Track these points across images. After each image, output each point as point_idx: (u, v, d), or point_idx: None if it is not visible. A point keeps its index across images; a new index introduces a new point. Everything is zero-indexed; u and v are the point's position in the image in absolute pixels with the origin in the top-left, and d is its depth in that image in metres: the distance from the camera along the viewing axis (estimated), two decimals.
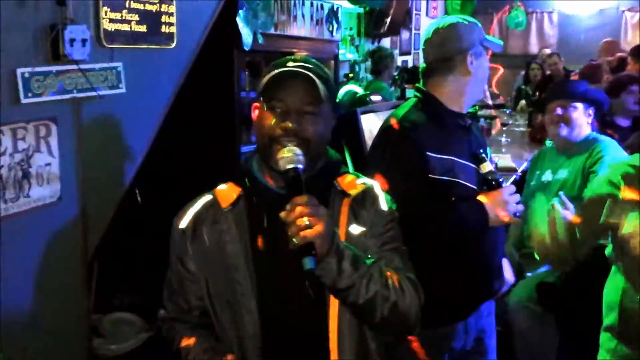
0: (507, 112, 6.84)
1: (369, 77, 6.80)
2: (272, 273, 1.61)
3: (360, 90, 4.89)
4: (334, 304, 1.59)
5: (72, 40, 2.16)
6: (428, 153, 2.15)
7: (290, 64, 1.58)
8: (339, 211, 1.63)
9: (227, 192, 1.68)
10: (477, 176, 2.21)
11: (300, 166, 1.49)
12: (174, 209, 3.75)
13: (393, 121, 2.22)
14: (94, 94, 2.28)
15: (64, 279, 2.35)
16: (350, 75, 6.05)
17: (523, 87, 7.95)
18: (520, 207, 2.18)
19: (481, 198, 2.17)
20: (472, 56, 2.24)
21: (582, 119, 3.20)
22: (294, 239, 1.39)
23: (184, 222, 1.73)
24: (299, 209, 1.40)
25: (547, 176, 3.29)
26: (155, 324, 3.33)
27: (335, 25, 4.62)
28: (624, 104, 4.09)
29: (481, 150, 2.21)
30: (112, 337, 3.08)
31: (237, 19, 3.30)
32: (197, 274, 1.69)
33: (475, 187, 2.19)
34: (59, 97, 2.17)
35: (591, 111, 3.19)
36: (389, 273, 1.57)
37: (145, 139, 2.62)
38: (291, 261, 1.42)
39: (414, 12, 8.09)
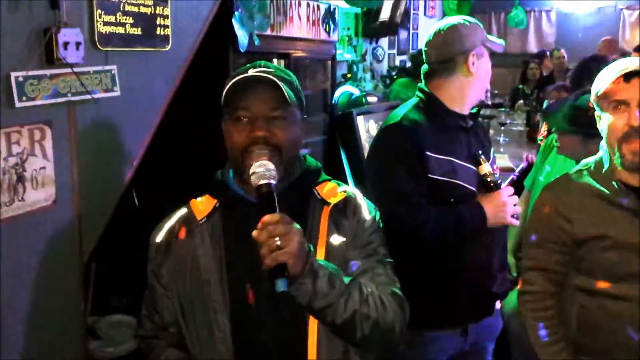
0: (505, 111, 6.84)
1: (367, 77, 6.80)
2: (249, 294, 1.55)
3: (357, 92, 4.88)
4: (313, 323, 1.53)
5: (66, 44, 2.15)
6: (427, 153, 2.16)
7: (251, 70, 1.54)
8: (319, 221, 1.58)
9: (202, 204, 1.65)
10: (476, 178, 2.21)
11: (272, 181, 1.43)
12: (171, 211, 3.75)
13: (394, 120, 2.24)
14: (88, 97, 2.28)
15: (60, 282, 2.34)
16: (348, 75, 6.05)
17: (520, 86, 7.95)
18: (519, 209, 2.18)
19: (480, 199, 2.17)
20: (474, 57, 2.24)
21: None
22: (265, 260, 1.34)
23: (159, 237, 1.70)
24: (269, 228, 1.34)
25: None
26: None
27: (332, 26, 4.61)
28: None
29: (480, 152, 2.21)
30: (110, 339, 3.08)
31: (233, 21, 3.30)
32: (171, 289, 1.64)
33: (473, 189, 2.19)
34: (53, 101, 2.17)
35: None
36: (370, 289, 1.50)
37: (140, 142, 2.62)
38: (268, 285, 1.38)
39: (412, 11, 8.08)
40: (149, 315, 1.74)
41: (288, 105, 1.53)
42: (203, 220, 1.62)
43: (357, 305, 1.45)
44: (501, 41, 2.40)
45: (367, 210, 1.63)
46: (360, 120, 4.45)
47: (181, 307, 1.63)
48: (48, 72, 2.14)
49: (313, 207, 1.60)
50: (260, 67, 1.57)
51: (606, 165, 2.01)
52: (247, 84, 1.51)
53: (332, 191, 1.62)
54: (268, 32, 3.69)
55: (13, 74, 2.03)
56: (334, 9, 4.62)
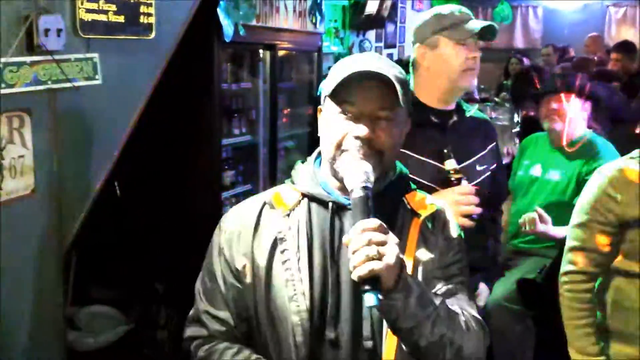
0: (490, 105, 6.84)
1: None
2: (326, 294, 1.43)
3: None
4: (390, 346, 1.41)
5: (46, 31, 2.11)
6: None
7: (362, 63, 1.40)
8: (408, 233, 1.46)
9: (286, 195, 1.51)
10: (440, 174, 2.18)
11: (369, 185, 1.32)
12: (153, 201, 3.74)
13: None
14: (69, 85, 2.25)
15: (39, 272, 2.31)
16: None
17: (505, 82, 7.97)
18: (476, 209, 2.12)
19: (435, 195, 2.14)
20: (426, 48, 2.23)
21: (577, 114, 3.17)
22: (357, 270, 1.21)
23: (234, 224, 1.53)
24: (367, 235, 1.22)
25: (537, 171, 3.26)
26: (132, 317, 3.32)
27: (319, 17, 4.59)
28: None
29: (449, 147, 2.17)
30: (89, 330, 3.07)
31: (218, 10, 3.27)
32: (243, 280, 1.49)
33: (432, 185, 2.16)
34: (33, 88, 2.13)
35: (588, 106, 3.17)
36: (457, 313, 1.40)
37: (122, 131, 2.59)
38: (351, 283, 1.30)
39: (399, 5, 8.07)
40: (209, 312, 1.55)
41: (397, 107, 1.40)
42: (287, 212, 1.48)
43: (444, 330, 1.34)
44: (477, 24, 2.21)
45: (455, 227, 1.53)
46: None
47: (254, 303, 1.48)
48: (28, 59, 2.10)
49: (402, 217, 1.48)
50: (371, 59, 1.42)
51: None
52: (360, 77, 1.37)
53: (422, 202, 1.51)
54: (254, 22, 3.67)
55: None
56: (321, 0, 4.60)
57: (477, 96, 7.30)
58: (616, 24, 9.95)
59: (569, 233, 2.24)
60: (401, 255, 1.28)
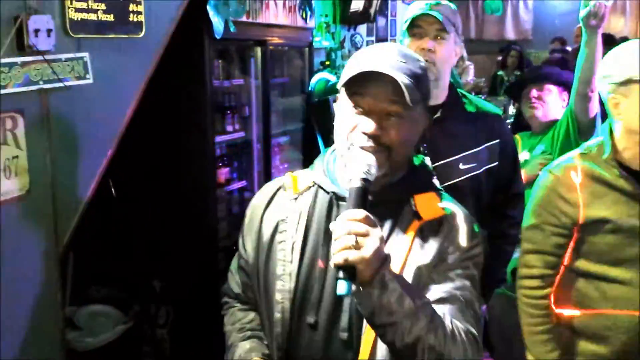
0: (483, 97, 6.87)
1: (345, 64, 6.79)
2: (314, 281, 1.48)
3: (333, 78, 4.88)
4: (369, 334, 1.41)
5: (36, 31, 2.12)
6: None
7: (380, 58, 1.39)
8: (405, 234, 1.44)
9: (301, 179, 1.57)
10: None
11: (370, 178, 1.33)
12: (148, 199, 3.74)
13: None
14: (60, 84, 2.25)
15: (36, 273, 2.32)
16: (327, 62, 6.03)
17: (500, 72, 7.99)
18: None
19: None
20: (400, 42, 2.25)
21: (556, 102, 3.24)
22: (334, 257, 1.24)
23: (258, 199, 1.64)
24: (350, 224, 1.24)
25: (524, 155, 3.31)
26: (131, 316, 3.33)
27: (309, 13, 4.59)
28: None
29: (424, 145, 2.14)
30: (88, 330, 3.07)
31: (208, 7, 3.28)
32: (251, 259, 1.61)
33: None
34: (24, 89, 2.14)
35: (565, 96, 3.22)
36: (443, 320, 1.35)
37: (115, 129, 2.59)
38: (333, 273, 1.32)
39: None
40: (235, 272, 1.72)
41: (408, 103, 1.37)
42: (295, 196, 1.55)
43: (422, 332, 1.30)
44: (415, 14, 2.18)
45: (466, 236, 1.46)
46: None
47: (257, 278, 1.59)
48: (19, 59, 2.11)
49: (403, 218, 1.46)
50: (389, 52, 1.42)
51: (607, 150, 2.03)
52: (373, 74, 1.37)
53: (431, 205, 1.47)
54: (244, 18, 3.67)
55: None
56: None
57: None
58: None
59: (523, 233, 2.19)
60: (384, 251, 1.28)
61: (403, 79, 1.35)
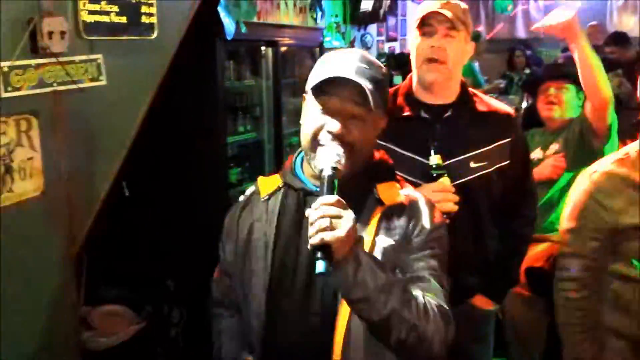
0: (495, 96, 6.84)
1: None
2: (287, 271, 1.59)
3: None
4: (343, 317, 1.52)
5: (50, 33, 2.13)
6: None
7: (345, 64, 1.51)
8: (370, 220, 1.56)
9: (269, 182, 1.70)
10: (426, 169, 2.16)
11: (339, 167, 1.46)
12: (161, 199, 3.76)
13: None
14: (74, 86, 2.27)
15: (51, 273, 2.34)
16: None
17: (508, 73, 7.95)
18: (450, 207, 2.08)
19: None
20: (411, 41, 2.25)
21: (573, 101, 3.20)
22: (311, 239, 1.34)
23: (233, 208, 1.78)
24: (323, 208, 1.34)
25: (537, 154, 3.27)
26: (145, 316, 3.34)
27: (320, 13, 4.60)
28: None
29: (435, 143, 2.15)
30: (103, 330, 3.09)
31: (219, 8, 3.29)
32: (230, 256, 1.74)
33: (414, 179, 2.13)
34: (39, 91, 2.15)
35: (582, 95, 3.18)
36: (415, 294, 1.46)
37: (129, 131, 2.61)
38: (307, 262, 1.43)
39: None
40: (217, 280, 1.86)
41: (371, 107, 1.50)
42: (265, 198, 1.67)
43: (397, 305, 1.40)
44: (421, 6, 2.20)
45: (429, 218, 1.58)
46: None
47: (237, 280, 1.70)
48: (33, 61, 2.13)
49: (368, 205, 1.58)
50: (353, 59, 1.54)
51: None
52: (336, 77, 1.50)
53: (393, 192, 1.60)
54: (255, 19, 3.68)
55: None
56: None
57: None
58: (618, 12, 9.90)
59: (562, 236, 2.20)
60: (356, 232, 1.38)
61: (367, 85, 1.48)
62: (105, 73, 2.40)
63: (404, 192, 1.62)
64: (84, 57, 2.32)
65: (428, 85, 2.21)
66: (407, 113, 2.22)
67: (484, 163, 2.22)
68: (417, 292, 1.47)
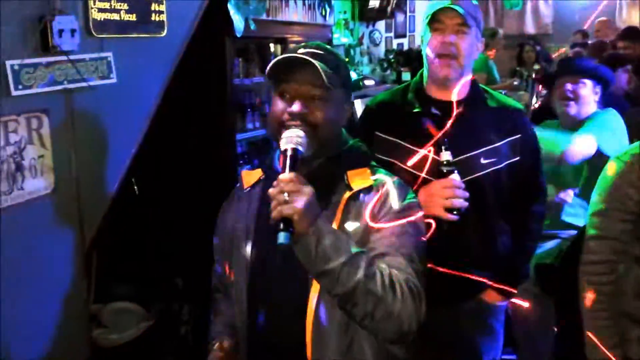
0: (503, 93, 6.81)
1: (365, 60, 6.79)
2: (265, 255, 1.65)
3: (353, 75, 4.88)
4: (312, 298, 1.57)
5: (60, 31, 2.14)
6: (377, 132, 2.19)
7: (301, 50, 1.61)
8: (337, 205, 1.60)
9: (251, 175, 1.78)
10: (436, 165, 2.15)
11: (300, 148, 1.51)
12: (171, 197, 3.76)
13: (367, 102, 2.31)
14: (84, 84, 2.28)
15: (61, 270, 2.35)
16: (346, 59, 6.03)
17: (517, 68, 7.93)
18: (460, 203, 2.07)
19: (423, 187, 2.12)
20: (422, 37, 2.24)
21: (590, 96, 3.15)
22: (272, 214, 1.41)
23: (224, 204, 1.87)
24: (281, 185, 1.42)
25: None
26: (154, 313, 3.35)
27: (328, 10, 4.59)
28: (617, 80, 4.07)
29: (445, 139, 2.11)
30: (113, 326, 3.10)
31: (229, 5, 3.29)
32: (219, 250, 1.85)
33: (423, 175, 2.13)
34: (49, 89, 2.16)
35: (599, 89, 3.15)
36: (381, 269, 1.49)
37: (138, 128, 2.62)
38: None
39: None
40: (214, 269, 1.93)
41: (329, 87, 1.57)
42: (247, 190, 1.76)
43: (361, 277, 1.44)
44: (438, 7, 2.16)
45: (397, 198, 1.61)
46: (357, 103, 4.45)
47: (226, 259, 1.79)
48: (44, 60, 2.14)
49: (337, 190, 1.63)
50: (309, 47, 1.63)
51: None
52: (293, 62, 1.57)
53: (362, 177, 1.64)
54: (264, 16, 3.68)
55: (8, 62, 2.02)
56: None
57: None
58: (627, 7, 9.83)
59: (588, 221, 2.19)
60: (316, 205, 1.44)
61: (320, 64, 1.54)
62: (115, 71, 2.41)
63: (374, 177, 1.65)
64: (94, 55, 2.33)
65: (441, 81, 2.20)
66: (417, 109, 2.22)
67: (494, 159, 2.22)
68: (382, 267, 1.49)
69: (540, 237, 2.60)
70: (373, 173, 1.66)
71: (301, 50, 1.61)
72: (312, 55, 1.57)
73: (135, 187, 3.30)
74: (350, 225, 1.58)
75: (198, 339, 3.61)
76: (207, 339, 1.91)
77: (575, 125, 3.15)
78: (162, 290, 3.52)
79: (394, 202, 1.60)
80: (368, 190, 1.62)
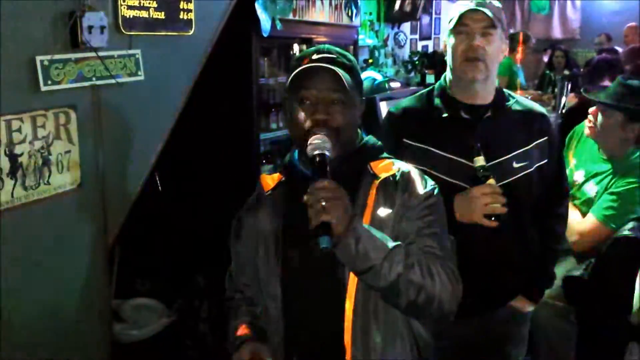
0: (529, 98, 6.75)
1: (389, 62, 6.76)
2: (297, 257, 1.67)
3: (379, 77, 4.86)
4: (350, 293, 1.60)
5: (90, 28, 2.16)
6: (405, 140, 2.15)
7: (315, 56, 1.65)
8: (367, 194, 1.66)
9: (271, 179, 1.78)
10: (468, 171, 2.12)
11: (327, 153, 1.55)
12: (194, 195, 3.78)
13: (392, 108, 2.27)
14: (112, 81, 2.29)
15: (85, 265, 2.37)
16: (370, 60, 6.01)
17: (547, 72, 7.85)
18: (500, 209, 2.04)
19: (457, 194, 2.09)
20: (445, 40, 2.22)
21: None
22: (311, 221, 1.45)
23: (244, 206, 1.85)
24: (317, 192, 1.45)
25: (579, 176, 3.09)
26: (175, 310, 3.37)
27: (355, 11, 4.58)
28: None
29: (478, 144, 2.07)
30: (134, 322, 3.12)
31: (256, 5, 3.30)
32: (245, 254, 1.80)
33: (455, 181, 2.09)
34: (78, 85, 2.18)
35: (636, 126, 2.93)
36: (417, 257, 1.56)
37: (164, 126, 2.63)
38: (314, 245, 1.47)
39: None
40: (230, 277, 1.94)
41: (347, 90, 1.61)
42: (269, 193, 1.75)
43: (401, 269, 1.51)
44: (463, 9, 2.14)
45: (422, 185, 1.68)
46: (383, 106, 4.43)
47: (251, 267, 1.77)
48: (73, 56, 2.15)
49: (364, 181, 1.68)
50: (323, 52, 1.67)
51: None
52: (311, 70, 1.61)
53: (386, 167, 1.70)
54: (290, 16, 3.68)
55: (38, 58, 2.04)
56: None
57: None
58: None
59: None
60: (350, 208, 1.49)
61: (339, 70, 1.59)
62: (142, 68, 2.42)
63: (397, 166, 1.71)
64: (123, 52, 2.34)
65: (468, 85, 2.18)
66: (446, 114, 2.19)
67: (526, 163, 2.19)
68: (418, 254, 1.57)
69: (563, 240, 2.57)
70: (393, 163, 1.73)
71: (315, 56, 1.65)
72: (328, 60, 1.63)
73: (159, 184, 3.32)
74: (383, 212, 1.64)
75: (216, 337, 3.62)
76: (226, 337, 1.91)
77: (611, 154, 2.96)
78: (183, 288, 3.53)
79: (420, 188, 1.67)
80: (393, 177, 1.68)
